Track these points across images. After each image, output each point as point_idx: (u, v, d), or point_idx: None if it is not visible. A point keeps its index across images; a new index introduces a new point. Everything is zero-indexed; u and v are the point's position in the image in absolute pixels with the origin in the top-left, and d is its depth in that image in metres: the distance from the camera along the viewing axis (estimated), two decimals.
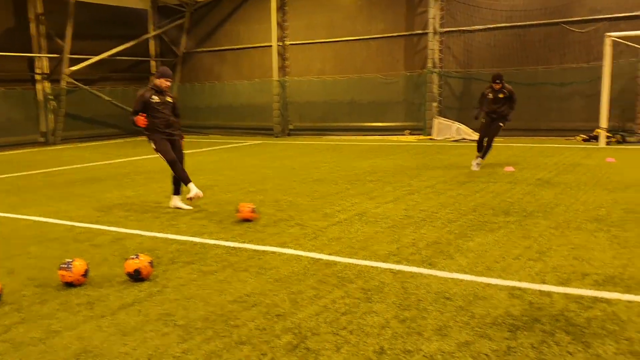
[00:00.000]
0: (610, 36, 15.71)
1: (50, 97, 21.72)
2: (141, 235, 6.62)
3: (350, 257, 5.46)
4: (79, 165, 14.16)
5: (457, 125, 19.36)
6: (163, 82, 7.95)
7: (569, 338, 3.52)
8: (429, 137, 19.76)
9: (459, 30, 20.08)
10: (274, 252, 5.70)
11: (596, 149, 14.69)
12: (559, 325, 3.73)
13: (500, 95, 11.33)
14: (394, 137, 20.22)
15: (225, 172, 12.07)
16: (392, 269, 5.06)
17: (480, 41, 19.85)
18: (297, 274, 4.98)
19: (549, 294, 4.32)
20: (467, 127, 19.09)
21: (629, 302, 4.06)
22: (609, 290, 4.31)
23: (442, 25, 20.31)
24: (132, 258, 4.97)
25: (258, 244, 6.03)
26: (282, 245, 5.97)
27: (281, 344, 3.59)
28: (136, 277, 4.90)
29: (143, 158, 15.63)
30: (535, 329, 3.68)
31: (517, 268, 4.98)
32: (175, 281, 4.91)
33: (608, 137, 16.05)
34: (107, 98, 23.35)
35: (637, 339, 3.44)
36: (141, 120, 7.67)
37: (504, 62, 19.19)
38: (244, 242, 6.13)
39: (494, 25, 19.35)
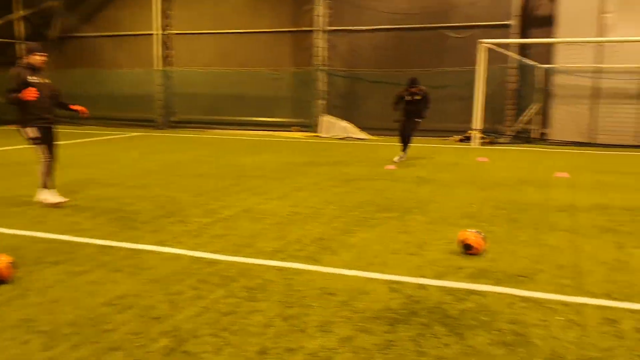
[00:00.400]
0: (483, 43, 16.77)
1: None
2: (2, 233, 6.01)
3: (235, 255, 5.31)
4: None
5: (343, 123, 19.74)
6: (37, 58, 7.15)
7: (445, 330, 3.64)
8: (316, 134, 19.98)
9: (345, 30, 20.50)
10: (151, 251, 5.41)
11: (470, 149, 15.63)
12: (436, 317, 3.85)
13: (417, 97, 12.40)
14: (281, 134, 20.23)
15: (103, 166, 11.36)
16: (278, 266, 4.98)
17: (365, 42, 20.41)
18: (177, 274, 4.75)
19: (426, 287, 4.46)
20: (353, 126, 19.53)
21: (499, 294, 4.29)
22: (481, 283, 4.53)
23: (328, 24, 20.62)
24: None
25: (134, 243, 5.69)
26: (161, 243, 5.68)
27: (157, 348, 3.38)
28: None
29: (13, 148, 14.33)
30: (414, 322, 3.76)
31: (397, 262, 5.11)
32: (39, 283, 4.49)
33: (481, 138, 17.17)
34: None
35: (507, 329, 3.63)
36: (31, 93, 6.78)
37: (386, 64, 19.87)
38: (119, 241, 5.75)
39: (378, 27, 19.98)
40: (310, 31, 20.77)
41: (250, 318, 3.84)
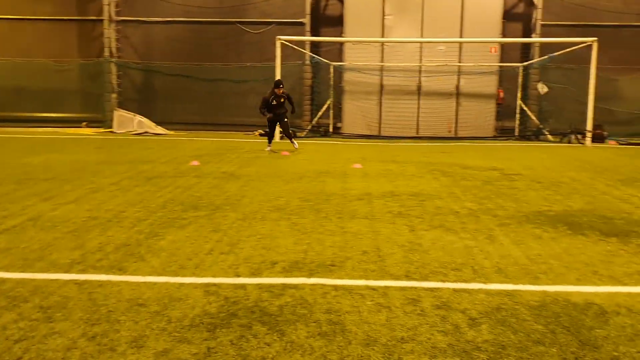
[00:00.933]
0: (280, 39, 17.22)
1: None
2: None
3: (24, 272, 4.68)
4: None
5: (138, 118, 18.79)
6: None
7: (265, 329, 3.62)
8: (109, 130, 18.70)
9: (137, 20, 19.49)
10: None
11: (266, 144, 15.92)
12: (255, 317, 3.81)
13: (282, 100, 13.42)
14: (71, 130, 18.55)
15: None
16: (77, 280, 4.50)
17: (160, 34, 19.65)
18: None
19: (243, 286, 4.40)
20: (149, 120, 18.69)
21: (313, 285, 4.41)
22: (295, 276, 4.61)
23: (118, 14, 19.40)
24: None
25: None
26: None
27: None
28: None
29: None
30: (233, 325, 3.68)
31: (211, 263, 4.97)
32: None
33: (281, 132, 17.65)
34: None
35: (324, 319, 3.73)
36: None
37: (185, 57, 19.38)
38: None
39: (172, 19, 19.36)
40: (99, 20, 19.33)
41: (48, 342, 3.40)
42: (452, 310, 3.87)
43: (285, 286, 4.39)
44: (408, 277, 4.54)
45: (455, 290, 4.26)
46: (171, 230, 6.05)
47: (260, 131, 18.67)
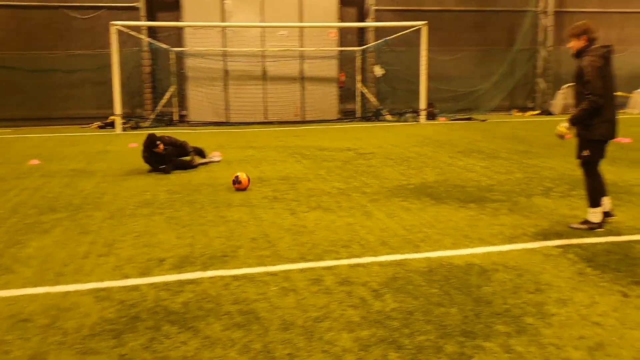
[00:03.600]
0: (115, 25, 16.19)
1: None
2: None
3: None
4: None
5: None
6: None
7: (176, 328, 3.49)
8: None
9: None
10: None
11: (115, 136, 15.07)
12: (160, 317, 3.65)
13: (163, 153, 9.12)
14: None
15: None
16: None
17: None
18: None
19: (136, 287, 4.17)
20: None
21: (211, 277, 4.32)
22: (189, 271, 4.47)
23: None
24: None
25: None
26: None
27: None
28: None
29: None
30: (140, 328, 3.49)
31: (91, 267, 4.62)
32: None
33: (123, 123, 16.69)
34: None
35: (235, 310, 3.69)
36: None
37: (4, 46, 17.39)
38: None
39: None
40: None
41: None
42: (354, 284, 4.05)
43: (182, 282, 4.25)
44: (304, 259, 4.65)
45: (350, 265, 4.46)
46: (33, 236, 5.50)
47: (99, 123, 17.49)
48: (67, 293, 4.08)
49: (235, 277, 4.30)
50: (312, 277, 4.22)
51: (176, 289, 4.11)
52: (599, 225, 5.22)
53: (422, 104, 18.44)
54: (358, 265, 4.47)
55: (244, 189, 7.44)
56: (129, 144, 12.60)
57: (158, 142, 9.06)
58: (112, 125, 16.84)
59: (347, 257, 4.65)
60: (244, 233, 5.47)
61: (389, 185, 7.65)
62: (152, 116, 18.61)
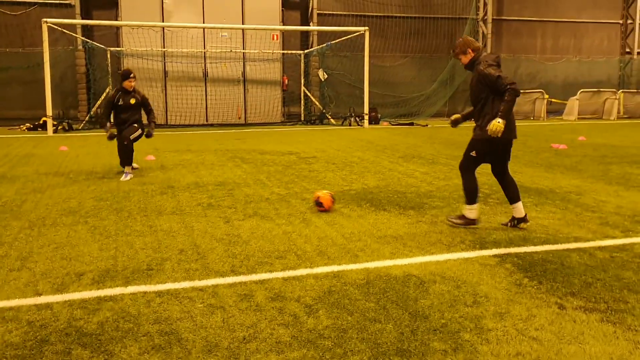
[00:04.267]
0: (47, 22, 15.40)
1: None
2: None
3: None
4: None
5: None
6: None
7: (88, 352, 3.16)
8: None
9: None
10: None
11: (45, 138, 14.32)
12: (72, 339, 3.31)
13: (132, 102, 8.76)
14: None
15: None
16: None
17: None
18: None
19: (48, 305, 3.80)
20: None
21: (133, 294, 3.99)
22: (110, 287, 4.13)
23: None
24: None
25: None
26: None
27: None
28: None
29: None
30: (47, 353, 3.14)
31: (1, 283, 4.21)
32: None
33: (55, 125, 15.88)
34: None
35: (155, 331, 3.39)
36: None
37: None
38: None
39: None
40: None
41: None
42: (287, 300, 3.82)
43: (100, 299, 3.91)
44: (235, 272, 4.38)
45: (284, 279, 4.23)
46: None
47: (29, 125, 16.59)
48: None
49: (159, 293, 3.99)
50: (242, 292, 3.96)
51: (93, 307, 3.77)
52: (474, 221, 5.55)
53: (365, 108, 18.44)
54: (292, 278, 4.24)
55: (328, 210, 6.35)
56: (60, 147, 11.95)
57: (132, 75, 8.76)
58: (43, 126, 16.00)
59: (281, 270, 4.42)
60: (172, 244, 5.15)
61: (329, 191, 7.47)
62: (86, 118, 17.81)
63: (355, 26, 18.02)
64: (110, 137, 8.81)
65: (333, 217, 6.05)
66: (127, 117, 8.78)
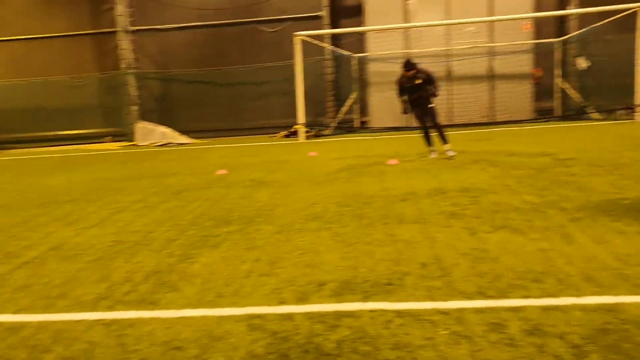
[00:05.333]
0: (298, 35, 16.60)
1: None
2: None
3: (45, 312, 4.14)
4: None
5: (161, 128, 18.39)
6: None
7: None
8: (132, 143, 18.33)
9: (152, 29, 19.08)
10: None
11: (297, 144, 15.39)
12: (310, 357, 3.19)
13: (417, 82, 10.42)
14: (94, 146, 18.24)
15: None
16: (104, 320, 3.94)
17: (176, 41, 19.21)
18: None
19: (290, 316, 3.79)
20: (172, 130, 18.28)
21: (372, 311, 3.77)
22: (348, 301, 3.97)
23: (132, 23, 19.02)
24: None
25: None
26: None
27: None
28: None
29: None
30: None
31: (250, 288, 4.36)
32: None
33: (306, 132, 17.05)
34: None
35: (394, 358, 3.09)
36: None
37: (201, 62, 18.92)
38: None
39: (187, 24, 18.91)
40: (113, 32, 18.96)
41: None
42: (548, 335, 3.19)
43: (339, 314, 3.76)
44: (482, 295, 3.87)
45: (543, 308, 3.58)
46: (204, 251, 5.47)
47: (285, 132, 18.10)
48: (222, 318, 3.83)
49: (399, 313, 3.69)
50: (492, 321, 3.44)
51: (332, 322, 3.63)
52: None
53: (638, 98, 15.89)
54: (553, 307, 3.57)
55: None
56: (309, 153, 12.67)
57: (414, 63, 10.52)
58: (295, 134, 17.30)
59: (539, 296, 3.77)
60: (413, 256, 4.83)
61: (596, 200, 6.40)
62: (333, 124, 18.78)
63: (625, 4, 15.55)
64: (404, 112, 10.99)
65: (602, 234, 5.09)
66: (417, 96, 10.49)
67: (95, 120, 19.06)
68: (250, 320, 3.76)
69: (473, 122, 18.69)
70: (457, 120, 18.95)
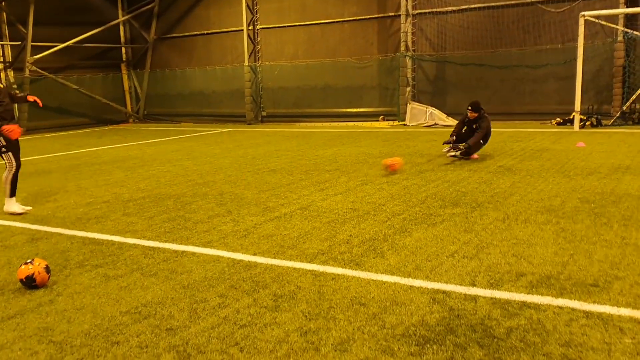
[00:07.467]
0: (584, 15, 15.26)
1: (13, 86, 20.98)
2: (60, 234, 6.13)
3: (275, 258, 5.02)
4: (33, 157, 13.57)
5: (430, 110, 18.92)
6: None
7: (482, 354, 3.10)
8: (402, 122, 19.30)
9: (432, 12, 19.57)
10: (193, 253, 5.25)
11: (568, 133, 14.31)
12: (475, 337, 3.31)
13: (474, 126, 10.27)
14: (368, 124, 19.75)
15: (180, 163, 11.56)
16: (315, 271, 4.62)
17: (454, 23, 19.35)
18: (210, 279, 4.53)
19: (474, 298, 3.91)
20: (440, 112, 18.67)
21: (560, 307, 3.65)
22: (541, 294, 3.89)
23: (415, 7, 19.78)
24: (26, 263, 4.50)
25: (180, 244, 5.57)
26: (206, 244, 5.51)
27: None
28: (29, 284, 4.43)
29: (104, 148, 15.08)
30: (447, 342, 3.26)
31: (448, 267, 4.56)
32: (72, 288, 4.45)
33: (582, 121, 15.67)
34: (74, 86, 22.67)
35: (557, 353, 3.02)
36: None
37: (477, 45, 18.75)
38: (165, 242, 5.66)
39: (468, 7, 18.86)
40: (397, 16, 20.04)
41: (265, 332, 3.52)
42: None
43: (523, 305, 3.74)
44: None
45: None
46: (421, 227, 5.80)
47: (559, 119, 16.91)
48: (410, 288, 4.15)
49: (588, 314, 3.51)
50: None
51: (513, 311, 3.65)
52: None
53: None
54: None
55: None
56: (577, 143, 11.74)
57: (474, 109, 10.24)
58: (572, 122, 16.03)
59: None
60: (636, 262, 4.38)
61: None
62: (618, 113, 16.80)
63: None
64: None
65: None
66: None
67: (372, 100, 20.56)
68: (435, 295, 4.00)
69: None
70: None
